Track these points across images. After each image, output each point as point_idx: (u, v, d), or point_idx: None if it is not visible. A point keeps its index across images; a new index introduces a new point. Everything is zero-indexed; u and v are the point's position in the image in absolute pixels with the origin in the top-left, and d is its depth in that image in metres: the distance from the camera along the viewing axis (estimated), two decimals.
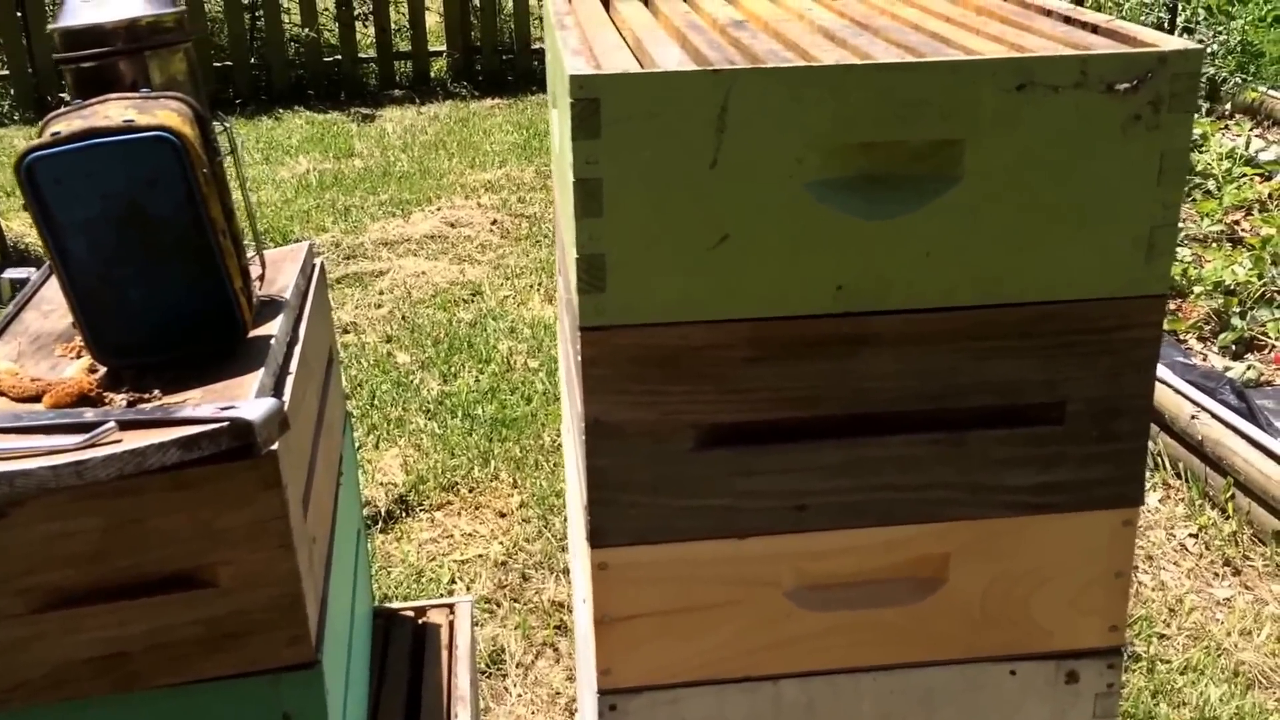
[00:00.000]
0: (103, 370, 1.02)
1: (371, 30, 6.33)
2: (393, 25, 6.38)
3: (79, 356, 1.05)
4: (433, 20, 6.67)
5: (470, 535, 2.44)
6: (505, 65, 6.41)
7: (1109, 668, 1.16)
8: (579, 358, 1.02)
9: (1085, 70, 0.95)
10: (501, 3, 6.50)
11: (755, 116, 0.95)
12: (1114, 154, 0.98)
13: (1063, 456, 1.08)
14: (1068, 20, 1.12)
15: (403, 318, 3.50)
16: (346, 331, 3.41)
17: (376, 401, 2.96)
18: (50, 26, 1.07)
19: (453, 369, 3.15)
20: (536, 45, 6.41)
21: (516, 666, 2.05)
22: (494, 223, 4.33)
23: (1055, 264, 1.02)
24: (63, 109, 1.00)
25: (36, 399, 0.98)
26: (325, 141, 5.37)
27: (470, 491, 2.58)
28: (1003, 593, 1.13)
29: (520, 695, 2.00)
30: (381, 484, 2.60)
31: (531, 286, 3.72)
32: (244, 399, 0.95)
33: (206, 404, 0.94)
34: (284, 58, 6.13)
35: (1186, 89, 0.96)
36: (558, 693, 2.01)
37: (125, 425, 0.91)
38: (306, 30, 6.13)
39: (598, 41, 1.12)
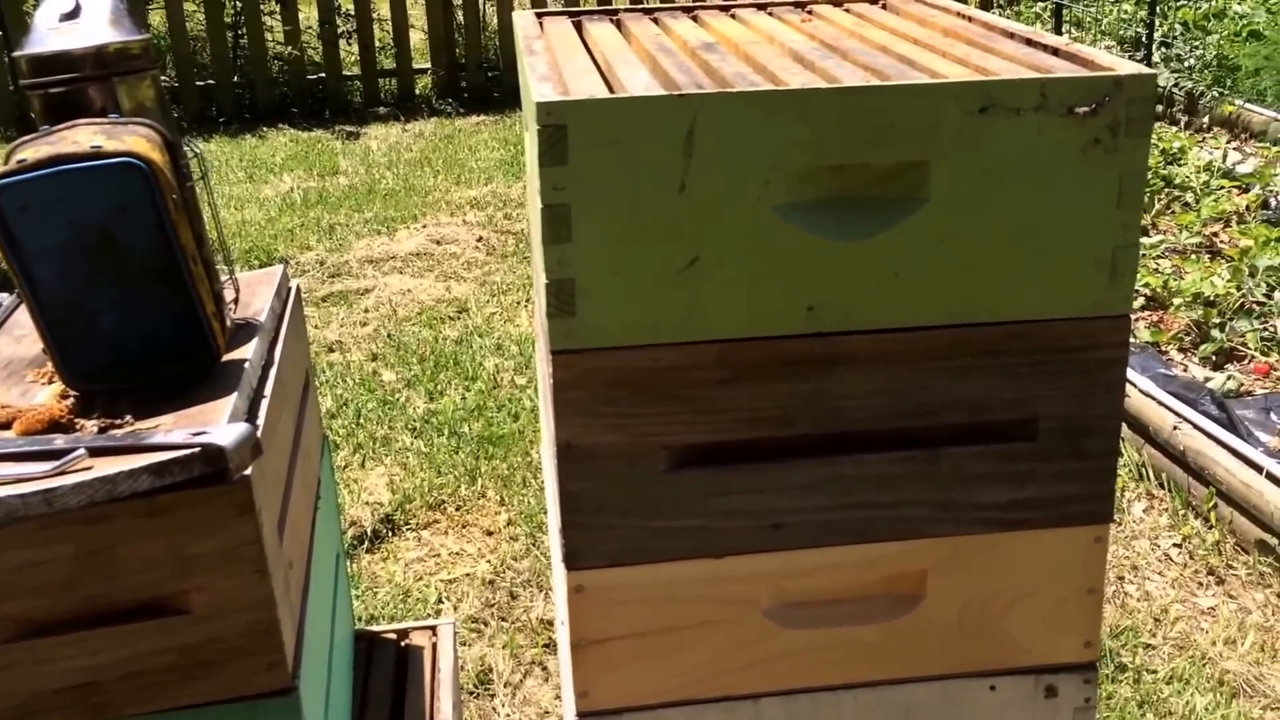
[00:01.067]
0: (74, 396, 1.01)
1: (355, 48, 6.34)
2: (377, 43, 6.39)
3: (51, 382, 1.05)
4: (417, 38, 6.69)
5: (457, 554, 2.43)
6: (491, 82, 6.42)
7: (1085, 682, 1.17)
8: (551, 381, 1.02)
9: (1045, 93, 0.96)
10: (486, 19, 6.52)
11: (723, 140, 0.95)
12: (1075, 176, 0.99)
13: (1035, 473, 1.09)
14: (1029, 43, 1.14)
15: (388, 335, 3.49)
16: (332, 350, 3.40)
17: (362, 420, 2.95)
18: (17, 53, 1.07)
19: (439, 387, 3.14)
20: None
21: (504, 686, 2.05)
22: (480, 239, 4.33)
23: (1021, 285, 1.03)
24: (31, 135, 0.99)
25: (7, 426, 0.97)
26: (310, 159, 5.37)
27: (457, 510, 2.57)
28: (980, 609, 1.13)
29: (508, 715, 1.99)
30: (367, 503, 2.59)
31: (518, 303, 3.72)
32: (217, 424, 0.95)
33: (178, 429, 0.93)
34: (268, 75, 6.13)
35: (1143, 113, 0.97)
36: (546, 712, 2.00)
37: (96, 452, 0.91)
38: (290, 48, 6.14)
39: (567, 66, 1.12)
